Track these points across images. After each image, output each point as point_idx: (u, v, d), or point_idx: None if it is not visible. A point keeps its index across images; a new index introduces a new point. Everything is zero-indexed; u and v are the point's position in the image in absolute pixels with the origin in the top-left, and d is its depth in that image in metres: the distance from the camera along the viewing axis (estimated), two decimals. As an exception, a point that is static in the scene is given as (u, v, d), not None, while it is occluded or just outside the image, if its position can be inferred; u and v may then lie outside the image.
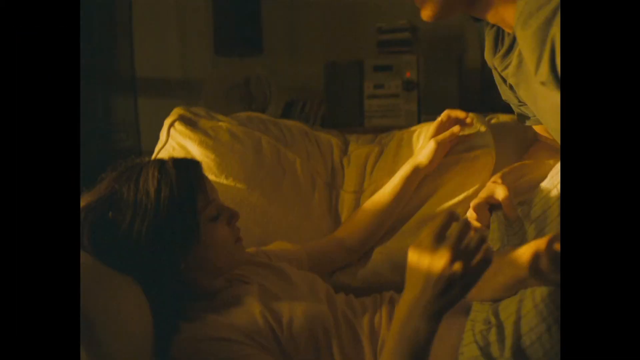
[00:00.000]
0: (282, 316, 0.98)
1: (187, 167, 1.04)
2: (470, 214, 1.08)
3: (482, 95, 2.36)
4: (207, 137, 1.39)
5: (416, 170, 1.34)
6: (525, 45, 0.97)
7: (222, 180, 1.35)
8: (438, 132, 1.36)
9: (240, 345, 0.94)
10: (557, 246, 0.83)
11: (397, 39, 2.44)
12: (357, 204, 1.42)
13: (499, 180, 1.10)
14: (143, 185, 0.98)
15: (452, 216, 0.82)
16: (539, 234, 0.98)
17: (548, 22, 0.90)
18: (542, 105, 1.08)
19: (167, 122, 1.44)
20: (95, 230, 0.95)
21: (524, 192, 1.11)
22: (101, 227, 0.96)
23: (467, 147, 1.38)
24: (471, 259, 0.79)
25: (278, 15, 2.74)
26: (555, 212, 0.98)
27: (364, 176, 1.47)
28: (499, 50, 1.12)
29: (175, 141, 1.40)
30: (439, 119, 1.37)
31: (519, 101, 1.20)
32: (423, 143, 1.39)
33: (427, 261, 0.80)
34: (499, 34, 1.13)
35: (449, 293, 0.79)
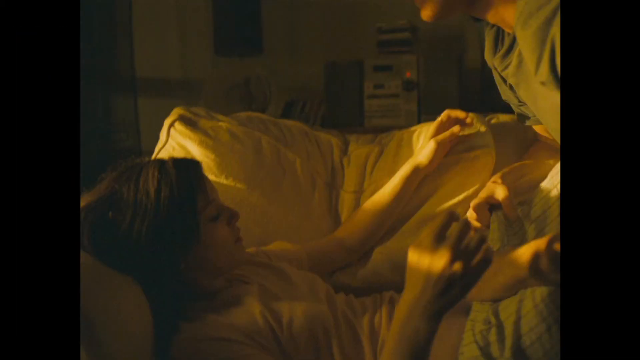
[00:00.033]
0: (282, 316, 0.98)
1: (187, 167, 1.04)
2: (470, 214, 1.08)
3: (482, 95, 2.36)
4: (207, 137, 1.39)
5: (416, 170, 1.34)
6: (525, 45, 0.97)
7: (222, 180, 1.35)
8: (438, 132, 1.36)
9: (240, 345, 0.94)
10: (557, 246, 0.83)
11: (397, 39, 2.44)
12: (357, 204, 1.42)
13: (499, 180, 1.10)
14: (143, 185, 0.98)
15: (452, 216, 0.82)
16: (539, 234, 0.98)
17: (548, 22, 0.90)
18: (542, 105, 1.08)
19: (167, 122, 1.44)
20: (95, 230, 0.95)
21: (524, 192, 1.11)
22: (101, 227, 0.96)
23: (467, 147, 1.38)
24: (471, 259, 0.79)
25: (278, 15, 2.74)
26: (555, 212, 0.98)
27: (364, 176, 1.47)
28: (499, 50, 1.12)
29: (175, 141, 1.40)
30: (439, 119, 1.37)
31: (519, 101, 1.20)
32: (423, 143, 1.39)
33: (427, 261, 0.80)
34: (499, 34, 1.13)
35: (449, 293, 0.79)
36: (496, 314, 0.90)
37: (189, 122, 1.43)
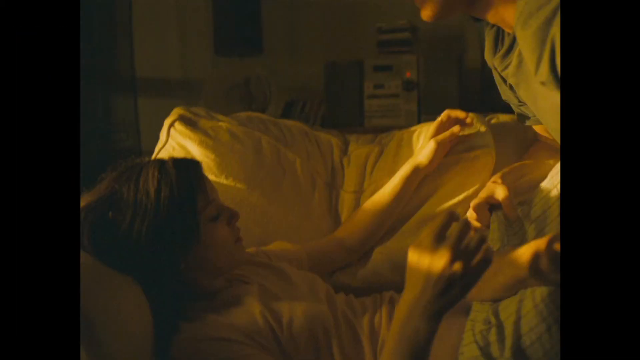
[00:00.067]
0: (282, 316, 0.98)
1: (187, 167, 1.04)
2: (470, 214, 1.08)
3: (482, 95, 2.36)
4: (207, 137, 1.39)
5: (416, 170, 1.34)
6: (525, 45, 0.97)
7: (222, 180, 1.35)
8: (438, 132, 1.36)
9: (240, 345, 0.94)
10: (557, 246, 0.83)
11: (397, 39, 2.44)
12: (357, 204, 1.42)
13: (499, 180, 1.10)
14: (143, 185, 0.98)
15: (452, 216, 0.82)
16: (539, 234, 0.98)
17: (548, 22, 0.90)
18: (542, 105, 1.08)
19: (167, 122, 1.44)
20: (95, 230, 0.95)
21: (524, 192, 1.11)
22: (101, 227, 0.96)
23: (467, 147, 1.38)
24: (471, 259, 0.79)
25: (278, 15, 2.74)
26: (555, 212, 0.98)
27: (364, 176, 1.47)
28: (499, 50, 1.12)
29: (175, 141, 1.40)
30: (439, 119, 1.37)
31: (519, 101, 1.20)
32: (423, 143, 1.39)
33: (427, 261, 0.80)
34: (499, 34, 1.13)
35: (449, 293, 0.79)
36: (496, 314, 0.90)
37: (189, 122, 1.43)
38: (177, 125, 1.42)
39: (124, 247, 0.95)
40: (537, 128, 1.30)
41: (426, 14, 1.06)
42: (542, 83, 0.96)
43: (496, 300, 0.93)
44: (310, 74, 2.63)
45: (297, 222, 1.38)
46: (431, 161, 1.33)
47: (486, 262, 0.79)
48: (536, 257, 0.84)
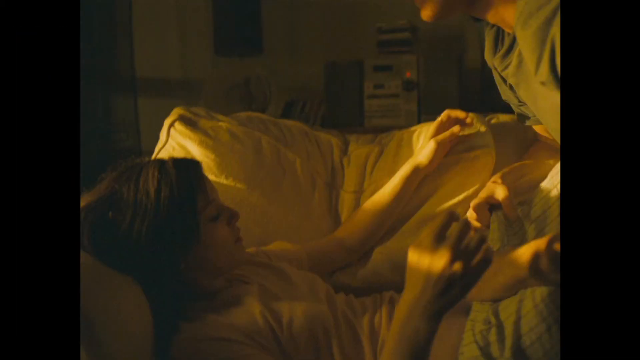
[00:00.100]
0: (282, 316, 0.98)
1: (187, 167, 1.04)
2: (470, 214, 1.08)
3: (482, 95, 2.36)
4: (207, 137, 1.39)
5: (416, 170, 1.34)
6: (525, 45, 0.97)
7: (222, 180, 1.35)
8: (438, 132, 1.36)
9: (240, 345, 0.94)
10: (557, 246, 0.83)
11: (397, 39, 2.44)
12: (357, 204, 1.42)
13: (499, 180, 1.10)
14: (143, 185, 0.98)
15: (452, 216, 0.82)
16: (539, 234, 0.98)
17: (548, 22, 0.90)
18: (542, 105, 1.08)
19: (167, 122, 1.44)
20: (95, 230, 0.95)
21: (524, 192, 1.11)
22: (101, 227, 0.96)
23: (467, 147, 1.38)
24: (471, 259, 0.79)
25: (278, 15, 2.74)
26: (555, 212, 0.98)
27: (364, 176, 1.47)
28: (499, 50, 1.12)
29: (175, 141, 1.41)
30: (439, 119, 1.37)
31: (519, 101, 1.20)
32: (423, 143, 1.39)
33: (427, 261, 0.80)
34: (499, 34, 1.13)
35: (449, 293, 0.79)
36: (496, 314, 0.90)
37: (189, 122, 1.43)
38: (177, 125, 1.42)
39: (124, 247, 0.95)
40: (537, 128, 1.30)
41: (426, 14, 1.06)
42: (542, 83, 0.96)
43: (496, 300, 0.93)
44: (310, 74, 2.63)
45: (297, 222, 1.38)
46: (431, 161, 1.33)
47: (486, 262, 0.79)
48: (536, 257, 0.84)
